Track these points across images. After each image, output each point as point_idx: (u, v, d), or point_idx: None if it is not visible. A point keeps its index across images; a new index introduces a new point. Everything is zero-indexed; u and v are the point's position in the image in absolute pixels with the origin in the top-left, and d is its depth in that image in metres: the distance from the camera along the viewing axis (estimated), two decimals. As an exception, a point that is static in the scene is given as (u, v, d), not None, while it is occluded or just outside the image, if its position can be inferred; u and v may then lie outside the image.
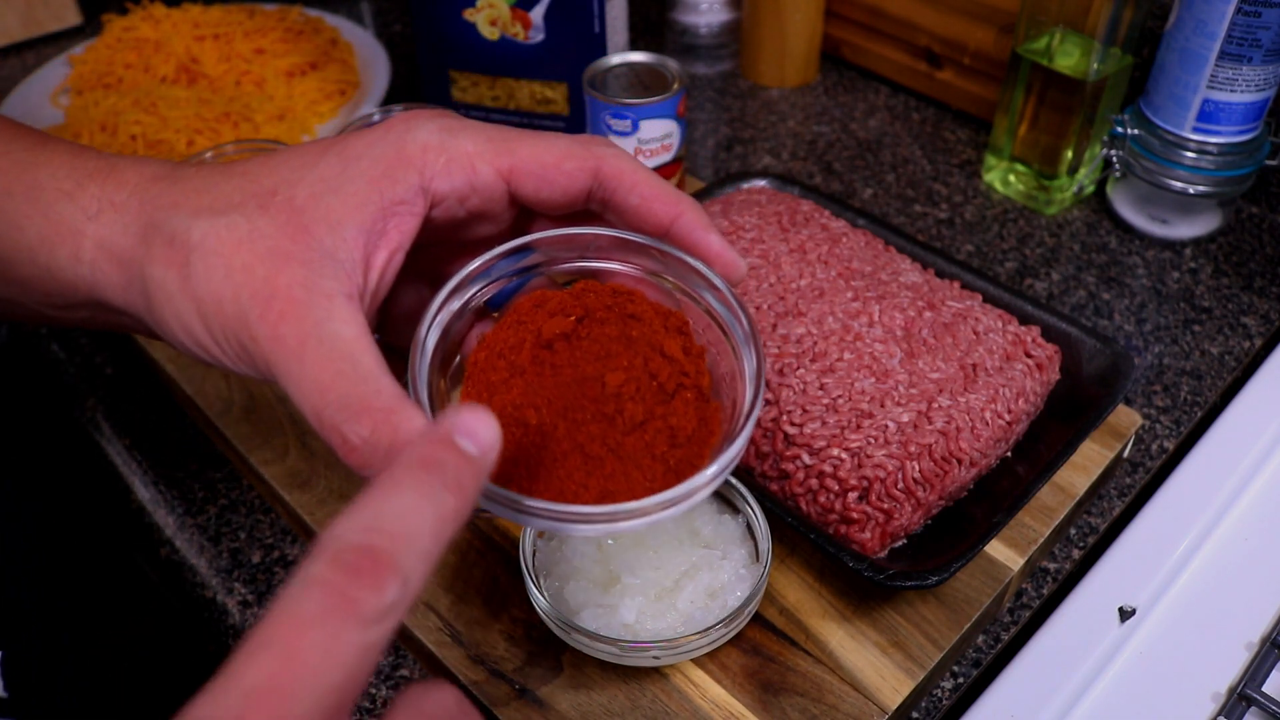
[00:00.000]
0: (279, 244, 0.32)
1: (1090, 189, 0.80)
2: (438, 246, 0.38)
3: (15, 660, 0.41)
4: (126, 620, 0.72)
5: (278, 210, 0.33)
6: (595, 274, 0.38)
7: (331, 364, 0.31)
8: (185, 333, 0.33)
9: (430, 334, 0.34)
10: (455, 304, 0.35)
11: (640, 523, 0.31)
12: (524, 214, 0.38)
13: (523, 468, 0.34)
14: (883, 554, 0.50)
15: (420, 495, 0.25)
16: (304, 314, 0.31)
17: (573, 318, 0.35)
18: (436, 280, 0.36)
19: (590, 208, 0.37)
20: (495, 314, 0.38)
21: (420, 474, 0.26)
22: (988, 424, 0.52)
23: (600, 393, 0.34)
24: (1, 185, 0.35)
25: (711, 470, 0.32)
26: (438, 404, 0.34)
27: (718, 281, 0.36)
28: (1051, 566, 0.56)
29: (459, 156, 0.35)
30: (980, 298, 0.60)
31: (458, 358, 0.37)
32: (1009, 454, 0.55)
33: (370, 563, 0.23)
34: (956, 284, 0.61)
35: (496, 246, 0.36)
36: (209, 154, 0.72)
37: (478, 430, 0.27)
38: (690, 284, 0.37)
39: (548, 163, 0.35)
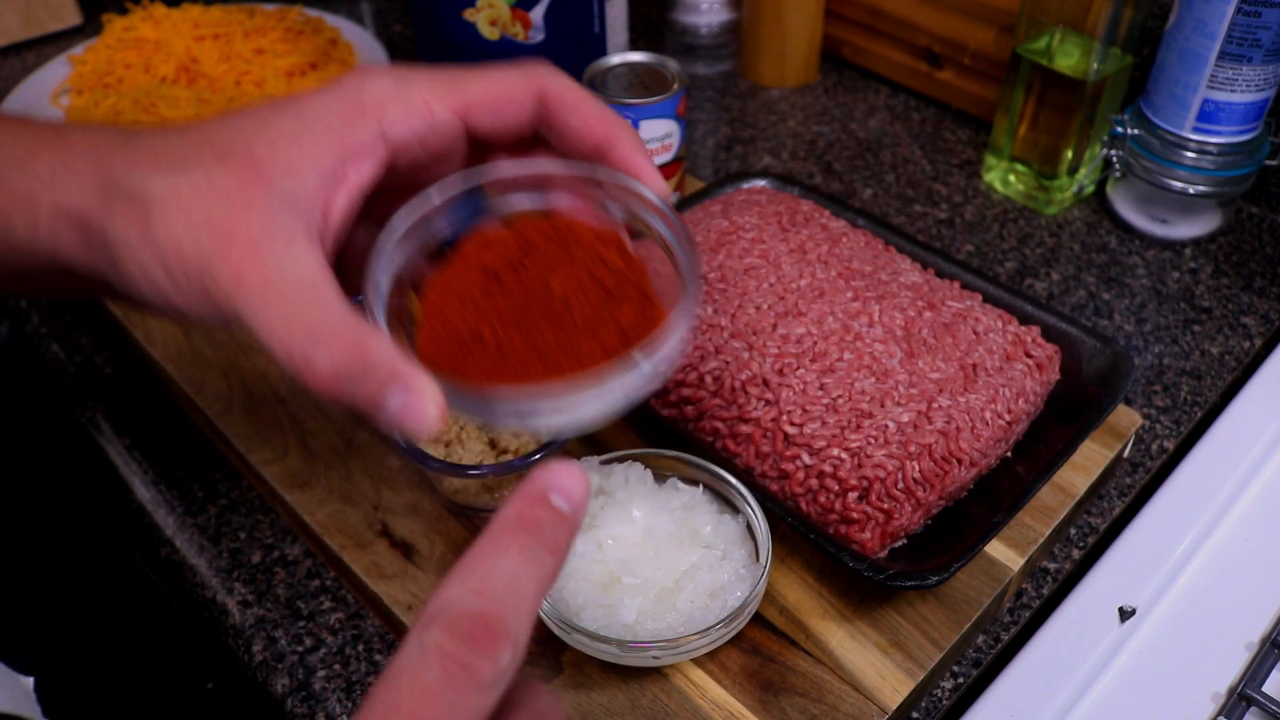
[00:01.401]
0: (238, 193, 0.33)
1: (1090, 189, 0.81)
2: (399, 193, 0.38)
3: (48, 683, 0.41)
4: (127, 620, 0.72)
5: (236, 164, 0.33)
6: (543, 206, 0.39)
7: (296, 297, 0.31)
8: (149, 285, 0.33)
9: (381, 271, 0.35)
10: (406, 245, 0.36)
11: (586, 405, 0.33)
12: (477, 153, 0.39)
13: (485, 378, 0.34)
14: (883, 554, 0.50)
15: (524, 557, 0.26)
16: (265, 253, 0.32)
17: (516, 248, 0.37)
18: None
19: (539, 132, 0.38)
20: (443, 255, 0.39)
21: (522, 537, 0.27)
22: (988, 424, 0.52)
23: (550, 301, 0.36)
24: None
25: (647, 358, 0.33)
26: (399, 344, 0.34)
27: (651, 195, 0.37)
28: (1051, 566, 0.56)
29: (415, 101, 0.35)
30: (980, 298, 0.60)
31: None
32: (1009, 454, 0.55)
33: (485, 631, 0.25)
34: (956, 284, 0.61)
35: (441, 186, 0.37)
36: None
37: (572, 488, 0.28)
38: (630, 205, 0.38)
39: (499, 94, 0.37)
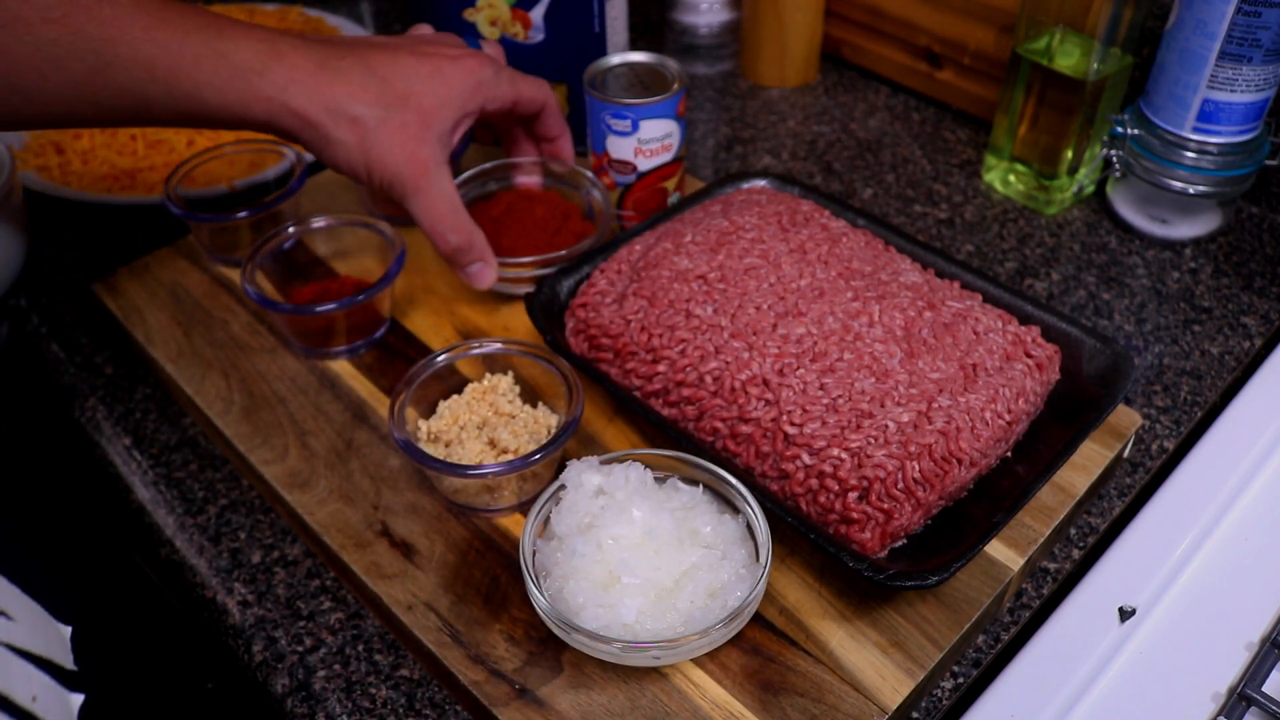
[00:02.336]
0: (419, 132, 0.56)
1: (1090, 189, 0.81)
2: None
3: (82, 634, 0.43)
4: (126, 620, 0.72)
5: (414, 109, 0.56)
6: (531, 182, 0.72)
7: (445, 201, 0.58)
8: (348, 167, 0.57)
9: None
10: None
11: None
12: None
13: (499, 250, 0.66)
14: (883, 554, 0.50)
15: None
16: (433, 176, 0.57)
17: (505, 205, 0.69)
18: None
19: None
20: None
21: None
22: (988, 424, 0.52)
23: (533, 219, 0.68)
24: (210, 67, 0.52)
25: (582, 242, 0.66)
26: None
27: (589, 174, 0.71)
28: (1051, 566, 0.56)
29: (504, 91, 0.62)
30: (980, 298, 0.60)
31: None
32: (1009, 454, 0.55)
33: None
34: (956, 284, 0.61)
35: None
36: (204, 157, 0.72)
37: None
38: (578, 183, 0.71)
39: (534, 96, 0.64)
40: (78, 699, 0.40)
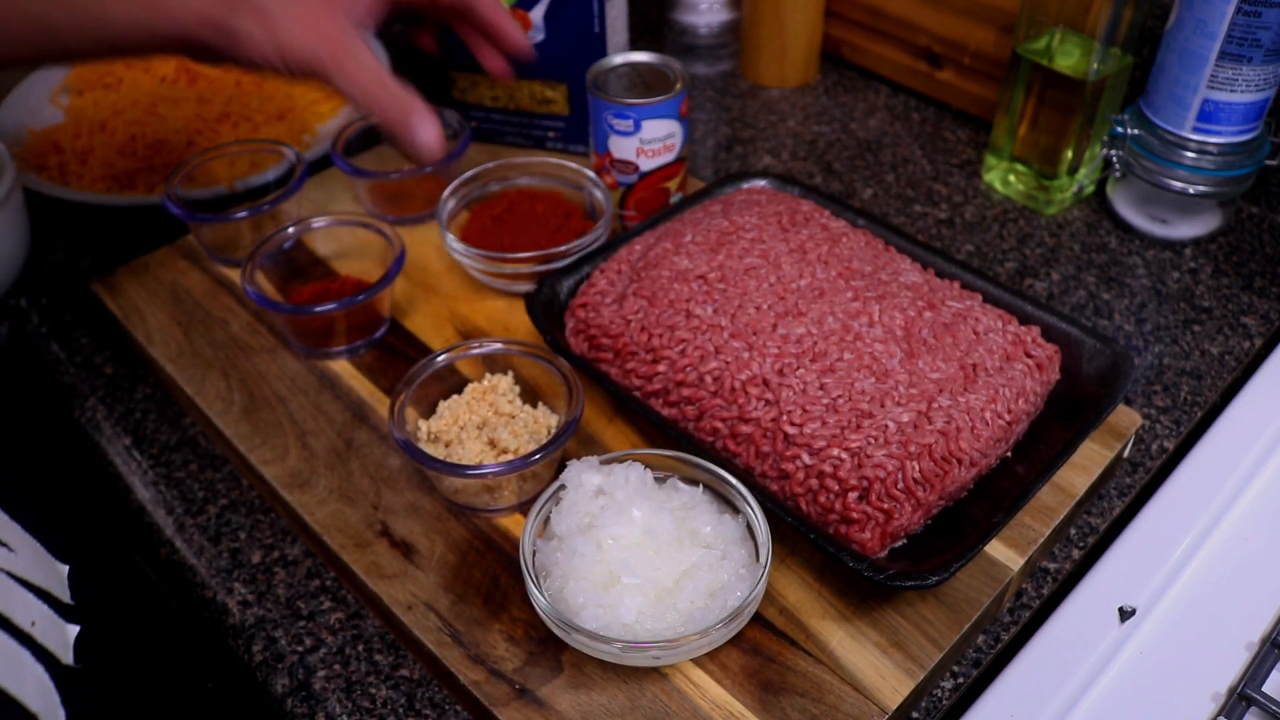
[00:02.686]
0: (324, 8, 0.53)
1: (1090, 189, 0.81)
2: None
3: (79, 573, 0.44)
4: (125, 620, 0.72)
5: None
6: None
7: (371, 67, 0.53)
8: (262, 59, 0.52)
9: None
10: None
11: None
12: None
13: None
14: (883, 554, 0.50)
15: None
16: (350, 48, 0.53)
17: (506, 203, 0.71)
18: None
19: None
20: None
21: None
22: (988, 424, 0.52)
23: (534, 217, 0.69)
24: None
25: (583, 239, 0.66)
26: None
27: (591, 174, 0.71)
28: (1051, 566, 0.56)
29: None
30: (980, 298, 0.60)
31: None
32: (1009, 454, 0.55)
33: None
34: (956, 284, 0.61)
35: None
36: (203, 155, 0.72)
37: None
38: (579, 181, 0.72)
39: None
40: (74, 629, 0.40)
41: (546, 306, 0.62)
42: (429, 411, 0.58)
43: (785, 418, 0.52)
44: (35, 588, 0.40)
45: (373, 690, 0.50)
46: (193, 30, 0.52)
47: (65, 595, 0.42)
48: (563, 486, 0.50)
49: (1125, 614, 0.52)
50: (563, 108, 0.80)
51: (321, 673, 0.51)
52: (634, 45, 0.95)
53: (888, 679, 0.47)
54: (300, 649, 0.52)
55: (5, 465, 0.47)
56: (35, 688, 0.35)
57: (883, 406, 0.52)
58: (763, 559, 0.48)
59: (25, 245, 0.71)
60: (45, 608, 0.39)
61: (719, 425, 0.54)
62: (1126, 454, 0.60)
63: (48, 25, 0.51)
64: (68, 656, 0.39)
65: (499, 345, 0.59)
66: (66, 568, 0.44)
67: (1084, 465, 0.56)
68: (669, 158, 0.70)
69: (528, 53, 0.64)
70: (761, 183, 0.71)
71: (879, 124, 0.90)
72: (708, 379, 0.55)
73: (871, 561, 0.47)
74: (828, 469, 0.50)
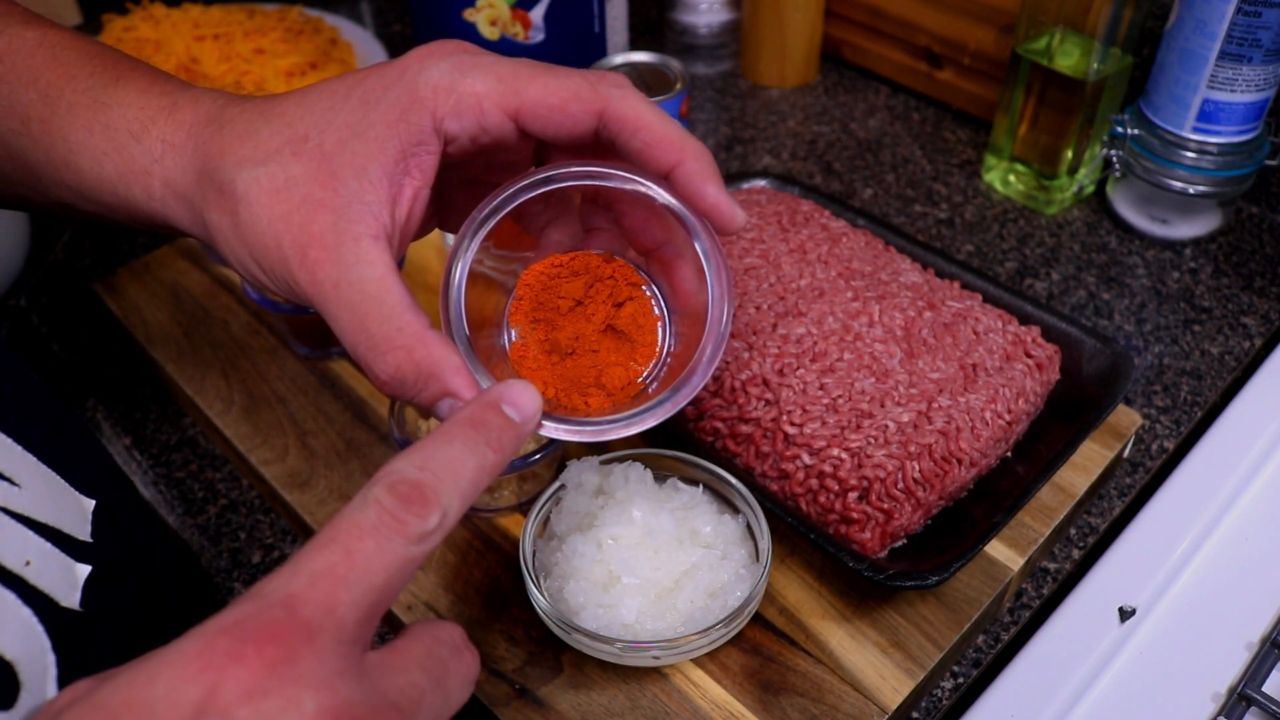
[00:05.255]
0: (311, 191, 0.35)
1: (1090, 189, 0.81)
2: (470, 166, 0.40)
3: (103, 510, 0.41)
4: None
5: (309, 157, 0.36)
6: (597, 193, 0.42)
7: (361, 305, 0.35)
8: (242, 268, 0.37)
9: (459, 271, 0.38)
10: (480, 236, 0.38)
11: (611, 432, 0.39)
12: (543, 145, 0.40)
13: (564, 389, 0.42)
14: (883, 554, 0.50)
15: (466, 448, 0.31)
16: (335, 258, 0.35)
17: (581, 281, 0.42)
18: (479, 185, 0.41)
19: (601, 141, 0.38)
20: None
21: (469, 430, 0.31)
22: (988, 424, 0.52)
23: (587, 345, 0.43)
24: (84, 123, 0.39)
25: (671, 398, 0.39)
26: (477, 330, 0.39)
27: (695, 224, 0.39)
28: (1051, 566, 0.56)
29: (468, 98, 0.36)
30: (980, 298, 0.60)
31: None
32: (1009, 454, 0.55)
33: (418, 494, 0.29)
34: (956, 284, 0.61)
35: (513, 180, 0.38)
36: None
37: (521, 402, 0.33)
38: (688, 227, 0.39)
39: (554, 105, 0.36)
40: (84, 569, 0.38)
41: (546, 306, 0.62)
42: (429, 411, 0.58)
43: (785, 418, 0.52)
44: (38, 524, 0.36)
45: (373, 690, 0.50)
46: (165, 206, 0.39)
47: (84, 533, 0.39)
48: (563, 486, 0.50)
49: (1125, 614, 0.52)
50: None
51: (321, 673, 0.51)
52: (634, 45, 0.95)
53: (888, 679, 0.47)
54: (300, 649, 0.52)
55: (37, 402, 0.42)
56: (17, 632, 0.33)
57: (883, 406, 0.52)
58: (763, 559, 0.48)
59: (25, 245, 0.71)
60: (48, 545, 0.36)
61: (719, 425, 0.54)
62: (1126, 454, 0.60)
63: (24, 162, 0.42)
64: (71, 598, 0.36)
65: (499, 345, 0.58)
66: (93, 503, 0.41)
67: (1084, 465, 0.56)
68: (669, 158, 0.70)
69: (734, 221, 0.39)
70: (761, 183, 0.71)
71: (879, 124, 0.90)
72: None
73: (871, 561, 0.47)
74: (828, 469, 0.50)
